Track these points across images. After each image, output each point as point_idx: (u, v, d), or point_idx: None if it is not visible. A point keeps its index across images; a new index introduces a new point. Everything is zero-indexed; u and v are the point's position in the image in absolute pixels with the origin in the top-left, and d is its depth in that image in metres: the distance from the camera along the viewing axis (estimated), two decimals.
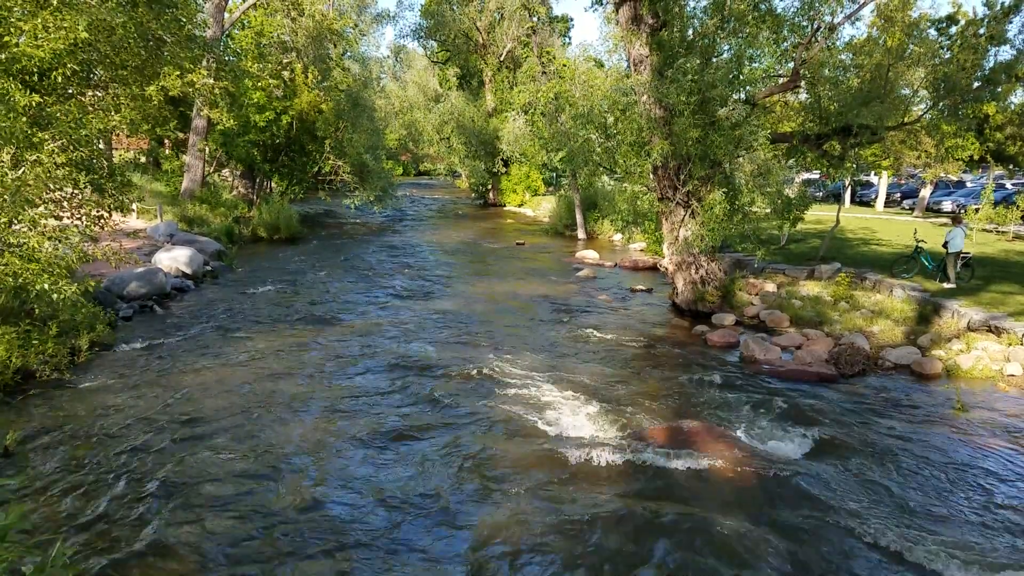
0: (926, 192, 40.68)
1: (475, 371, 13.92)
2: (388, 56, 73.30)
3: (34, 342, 12.21)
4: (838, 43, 19.65)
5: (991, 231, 31.00)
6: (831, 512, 8.70)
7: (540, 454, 10.28)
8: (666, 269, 20.06)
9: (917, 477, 9.85)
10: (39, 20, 10.50)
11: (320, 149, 38.00)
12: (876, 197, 46.12)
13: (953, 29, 18.88)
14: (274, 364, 14.10)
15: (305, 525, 8.24)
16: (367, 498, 8.91)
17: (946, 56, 18.67)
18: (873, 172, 43.97)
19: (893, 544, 8.00)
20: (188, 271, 21.52)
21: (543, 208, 46.55)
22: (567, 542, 8.01)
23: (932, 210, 40.52)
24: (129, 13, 12.86)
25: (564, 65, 36.06)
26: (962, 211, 36.60)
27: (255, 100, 33.46)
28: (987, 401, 12.89)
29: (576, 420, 11.48)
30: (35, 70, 11.00)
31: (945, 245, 18.66)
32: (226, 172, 41.65)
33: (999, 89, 18.16)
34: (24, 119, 10.46)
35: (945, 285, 18.28)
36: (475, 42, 53.19)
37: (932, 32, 19.34)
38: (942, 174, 40.06)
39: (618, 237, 34.54)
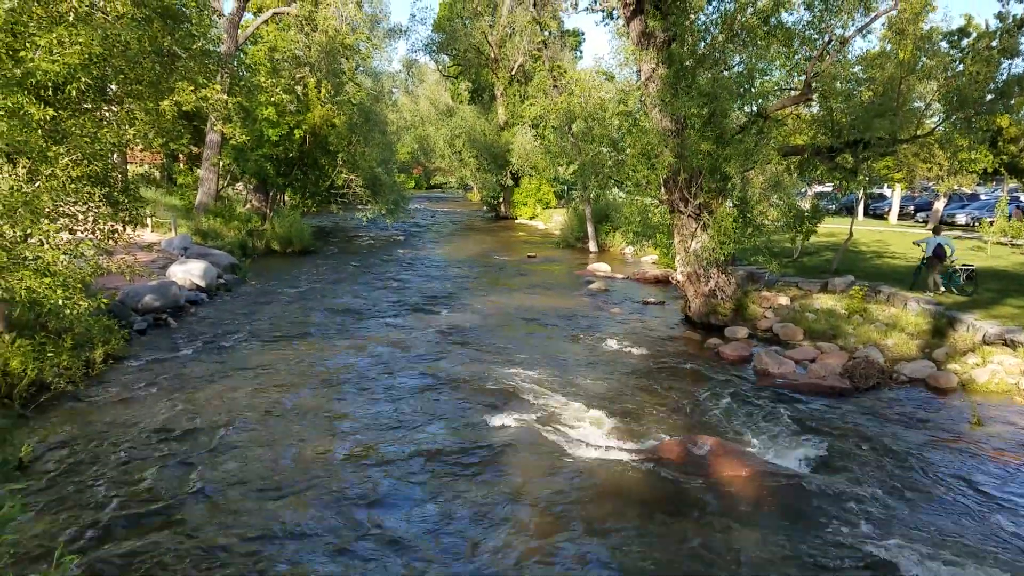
0: (940, 205, 40.46)
1: (488, 384, 13.90)
2: (400, 70, 73.64)
3: (49, 354, 12.26)
4: (850, 56, 19.64)
5: (1006, 244, 30.78)
6: (845, 528, 8.62)
7: (552, 466, 10.24)
8: (678, 282, 20.00)
9: (932, 492, 9.74)
10: (54, 35, 10.59)
11: (333, 163, 38.17)
12: (889, 210, 45.95)
13: (965, 42, 18.85)
14: (287, 377, 14.13)
15: (318, 536, 8.22)
16: (380, 511, 8.88)
17: (959, 69, 18.62)
18: (886, 185, 43.81)
19: (907, 561, 7.91)
20: (202, 284, 21.61)
21: (554, 221, 46.59)
22: (579, 554, 7.97)
23: (946, 223, 40.27)
24: (144, 28, 12.95)
25: (574, 79, 36.13)
26: (976, 224, 36.42)
27: (268, 115, 33.68)
28: (1003, 415, 12.75)
29: (589, 433, 11.44)
30: (50, 84, 11.08)
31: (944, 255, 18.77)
32: (240, 186, 41.91)
33: (1012, 101, 18.08)
34: (39, 133, 10.55)
35: (927, 294, 18.30)
36: (487, 56, 53.42)
37: (944, 45, 19.32)
38: (956, 187, 39.86)
39: (629, 250, 34.49)
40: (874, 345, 15.94)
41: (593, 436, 11.38)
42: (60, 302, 10.58)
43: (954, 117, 18.71)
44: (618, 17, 20.29)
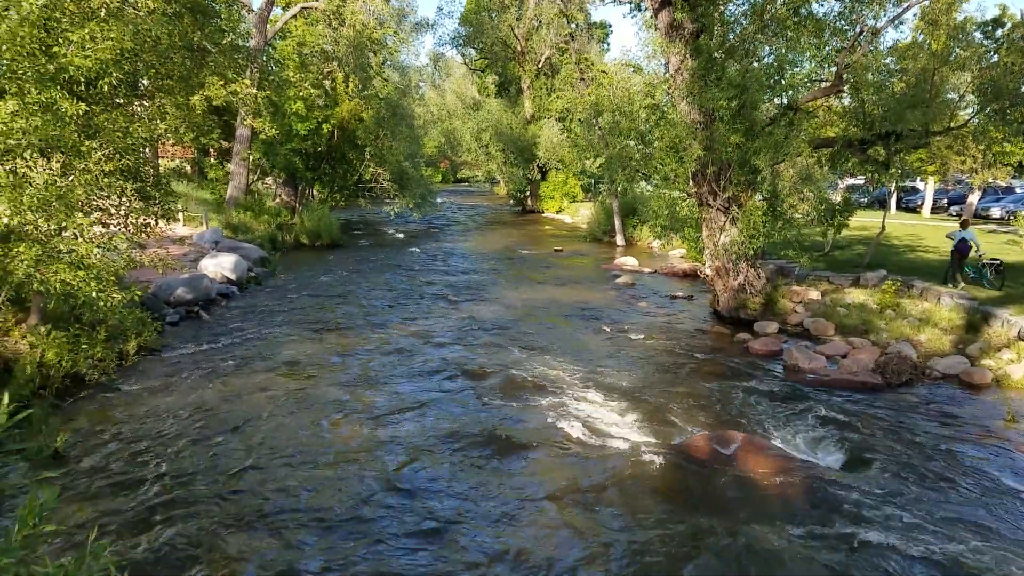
0: (974, 198, 39.77)
1: (514, 378, 13.90)
2: (427, 64, 73.83)
3: (83, 346, 12.45)
4: (881, 47, 19.37)
5: None
6: (876, 525, 8.51)
7: (577, 458, 10.23)
8: (706, 276, 19.85)
9: (966, 489, 9.60)
10: (87, 30, 10.73)
11: (360, 157, 38.35)
12: (922, 203, 45.24)
13: (1000, 32, 18.50)
14: (315, 368, 14.24)
15: (346, 525, 8.27)
16: (409, 502, 8.91)
17: (993, 59, 18.29)
18: (919, 178, 43.16)
19: (939, 558, 7.80)
20: (233, 277, 21.84)
21: (581, 214, 46.47)
22: (605, 549, 7.94)
23: (980, 216, 39.55)
24: (174, 23, 13.08)
25: (602, 71, 35.97)
26: (1011, 217, 35.78)
27: (297, 109, 33.91)
28: None
29: (615, 427, 11.40)
30: (82, 79, 11.23)
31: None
32: (269, 180, 42.24)
33: None
34: (72, 127, 10.70)
35: (958, 287, 18.10)
36: (513, 49, 53.34)
37: (978, 35, 18.98)
38: (990, 179, 39.17)
39: (657, 244, 34.32)
40: (907, 340, 15.73)
41: (618, 429, 11.34)
42: (94, 294, 10.76)
43: (988, 109, 18.40)
44: (646, 9, 20.14)
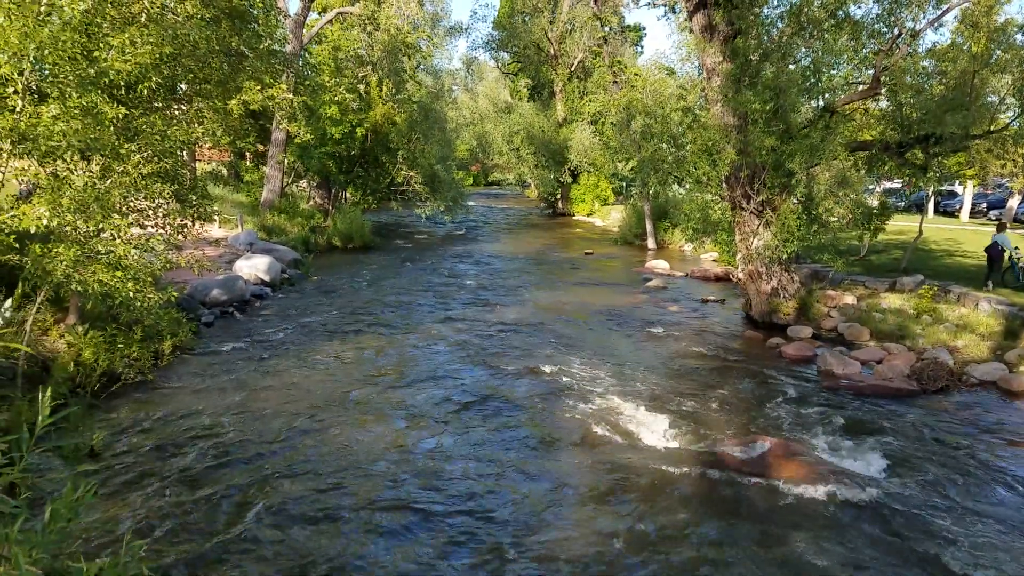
0: (1014, 202, 39.01)
1: (543, 379, 13.90)
2: (460, 68, 74.09)
3: (120, 346, 12.66)
4: (920, 49, 19.08)
5: None
6: (910, 536, 8.38)
7: (608, 461, 10.19)
8: (739, 280, 19.68)
9: (1004, 497, 9.42)
10: (127, 35, 10.91)
11: (393, 160, 38.61)
12: (961, 208, 44.44)
13: None
14: (348, 368, 14.35)
15: (379, 524, 8.32)
16: (439, 504, 8.94)
17: None
18: (957, 182, 42.42)
19: (976, 567, 7.66)
20: (267, 279, 22.08)
21: (612, 217, 46.30)
22: (634, 555, 7.90)
23: (1020, 221, 38.76)
24: (213, 28, 13.26)
25: (636, 74, 35.83)
26: None
27: (331, 113, 34.23)
28: None
29: (646, 432, 11.34)
30: (122, 83, 11.41)
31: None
32: (303, 183, 42.71)
33: None
34: (111, 130, 10.88)
35: (986, 291, 17.95)
36: (546, 53, 53.36)
37: (1019, 37, 18.61)
38: None
39: (689, 247, 34.14)
40: (943, 346, 15.46)
41: (648, 431, 11.28)
42: (131, 295, 10.92)
43: None
44: (680, 11, 20.04)
